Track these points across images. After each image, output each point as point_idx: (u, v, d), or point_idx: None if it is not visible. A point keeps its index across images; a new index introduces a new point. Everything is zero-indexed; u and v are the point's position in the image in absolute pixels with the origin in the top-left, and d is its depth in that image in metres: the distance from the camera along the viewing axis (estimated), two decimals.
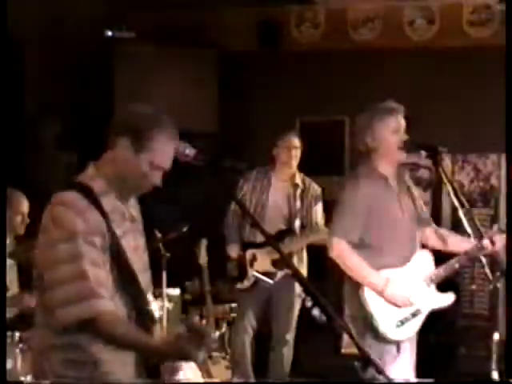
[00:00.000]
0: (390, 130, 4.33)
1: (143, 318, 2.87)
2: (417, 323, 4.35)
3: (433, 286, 4.43)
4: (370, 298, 4.24)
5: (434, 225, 4.68)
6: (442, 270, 4.43)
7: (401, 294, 4.27)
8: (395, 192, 4.40)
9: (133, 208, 2.98)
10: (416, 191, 4.58)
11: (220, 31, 7.75)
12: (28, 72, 6.97)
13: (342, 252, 4.27)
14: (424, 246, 4.52)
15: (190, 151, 2.90)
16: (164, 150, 2.85)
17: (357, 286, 4.28)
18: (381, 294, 4.24)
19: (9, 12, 4.68)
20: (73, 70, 7.24)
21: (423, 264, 4.43)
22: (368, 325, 4.24)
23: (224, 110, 7.66)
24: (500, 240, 4.37)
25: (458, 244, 4.54)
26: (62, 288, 2.71)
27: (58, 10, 7.06)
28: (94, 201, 2.78)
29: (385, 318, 4.24)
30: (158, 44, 7.50)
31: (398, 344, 4.30)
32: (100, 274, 2.74)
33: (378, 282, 4.24)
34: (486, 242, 4.34)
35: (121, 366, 2.83)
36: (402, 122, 4.38)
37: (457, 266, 4.43)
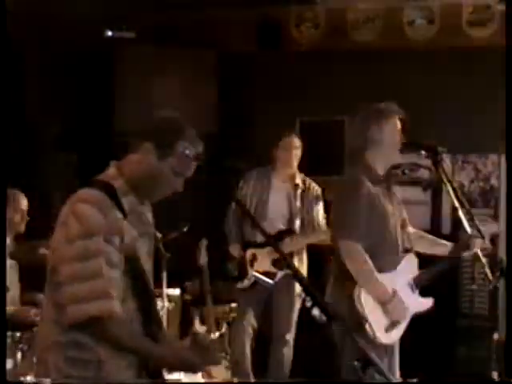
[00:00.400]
0: (388, 132, 4.31)
1: (151, 321, 2.87)
2: (403, 327, 4.36)
3: (416, 290, 4.43)
4: (366, 302, 4.21)
5: (410, 227, 4.66)
6: (426, 274, 4.45)
7: (401, 309, 4.28)
8: (388, 194, 4.40)
9: (148, 212, 3.00)
10: (396, 193, 4.56)
11: (220, 31, 7.75)
12: (28, 72, 6.97)
13: (357, 257, 4.20)
14: (407, 250, 4.50)
15: (189, 151, 2.91)
16: (188, 158, 2.86)
17: (347, 288, 4.25)
18: (383, 304, 4.23)
19: (9, 12, 4.68)
20: (73, 70, 7.23)
21: (410, 268, 4.43)
22: (357, 328, 4.19)
23: (224, 110, 7.66)
24: (478, 244, 4.43)
25: (441, 247, 4.59)
26: (76, 284, 2.71)
27: (58, 10, 7.06)
28: (116, 200, 2.79)
29: (377, 322, 4.23)
30: (158, 44, 7.50)
31: (385, 347, 4.29)
32: (114, 274, 2.75)
33: (384, 293, 4.23)
34: (486, 241, 4.36)
35: (124, 367, 2.83)
36: (399, 125, 4.37)
37: (440, 269, 4.47)
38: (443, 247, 4.59)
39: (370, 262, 4.19)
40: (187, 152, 2.87)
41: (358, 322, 4.20)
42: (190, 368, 2.85)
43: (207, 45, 7.65)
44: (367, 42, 7.61)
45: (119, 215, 2.78)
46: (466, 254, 4.51)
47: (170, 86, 7.49)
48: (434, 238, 4.73)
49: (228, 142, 7.51)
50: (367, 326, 4.20)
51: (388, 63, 7.44)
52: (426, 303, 4.51)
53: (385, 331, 4.26)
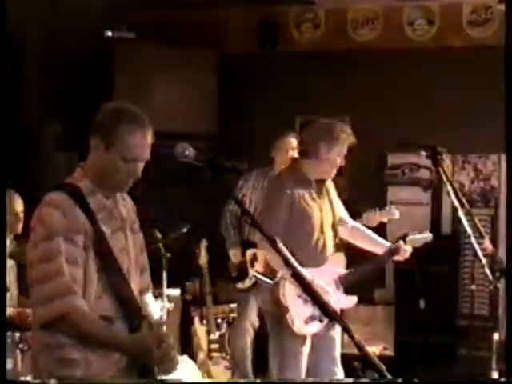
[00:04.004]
0: (333, 152, 4.54)
1: (132, 317, 2.89)
2: (324, 321, 4.48)
3: (341, 288, 4.64)
4: (288, 293, 4.42)
5: (352, 221, 4.89)
6: (351, 275, 4.68)
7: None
8: (317, 196, 4.62)
9: (123, 207, 3.00)
10: (333, 191, 4.79)
11: (220, 31, 7.75)
12: (28, 72, 6.97)
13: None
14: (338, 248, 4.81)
15: (189, 152, 2.91)
16: (135, 142, 2.88)
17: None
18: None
19: (9, 12, 4.68)
20: (73, 70, 7.23)
21: (336, 266, 4.69)
22: (282, 319, 4.45)
23: (224, 111, 7.66)
24: (404, 253, 4.72)
25: (377, 247, 4.80)
26: (41, 286, 2.78)
27: (58, 10, 7.06)
28: (81, 200, 2.84)
29: (297, 313, 4.43)
30: (158, 44, 7.49)
31: (304, 339, 4.50)
32: (76, 272, 2.79)
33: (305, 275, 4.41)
34: (486, 242, 4.37)
35: (112, 363, 2.85)
36: (346, 150, 4.59)
37: (366, 271, 4.73)
38: (379, 247, 4.81)
39: (285, 250, 4.33)
40: (131, 136, 2.87)
41: (281, 312, 4.44)
42: (148, 352, 2.87)
43: (207, 45, 7.65)
44: (367, 42, 7.61)
45: (82, 215, 2.82)
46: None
47: (170, 87, 7.49)
48: (374, 236, 4.92)
49: (228, 142, 7.51)
50: (288, 316, 4.42)
51: (388, 63, 7.44)
52: (350, 301, 4.72)
53: (304, 322, 4.45)
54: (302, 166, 4.62)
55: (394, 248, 4.74)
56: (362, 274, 4.73)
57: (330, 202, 4.72)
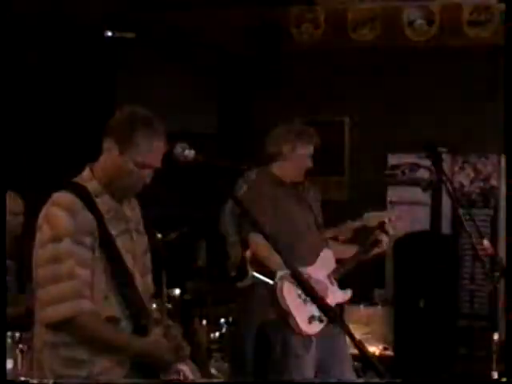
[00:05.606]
0: (300, 154, 4.69)
1: (138, 317, 2.89)
2: (324, 321, 4.48)
3: (335, 283, 4.68)
4: (288, 296, 4.38)
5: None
6: (341, 268, 4.72)
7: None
8: (295, 197, 4.74)
9: (129, 209, 3.00)
10: (315, 201, 4.92)
11: (220, 32, 7.74)
12: (28, 72, 6.97)
13: (261, 245, 4.39)
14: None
15: (189, 152, 2.91)
16: (149, 149, 2.88)
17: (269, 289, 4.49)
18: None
19: (9, 12, 4.68)
20: (72, 70, 7.23)
21: (327, 262, 4.69)
22: (286, 323, 4.42)
23: (224, 111, 7.66)
24: (385, 241, 4.78)
25: (349, 250, 4.89)
26: (49, 287, 2.78)
27: (58, 10, 7.06)
28: (89, 201, 2.83)
29: (299, 314, 4.39)
30: (158, 44, 7.49)
31: (309, 338, 4.48)
32: (85, 274, 2.79)
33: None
34: (486, 242, 4.38)
35: (116, 363, 2.85)
36: (311, 150, 4.77)
37: (353, 262, 4.77)
38: (351, 249, 4.89)
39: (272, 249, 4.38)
40: (146, 142, 2.87)
41: (283, 315, 4.41)
42: (160, 359, 2.88)
43: (207, 45, 7.65)
44: (367, 42, 7.61)
45: (90, 216, 2.81)
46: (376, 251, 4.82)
47: (170, 87, 7.49)
48: (340, 243, 5.04)
49: (228, 142, 7.51)
50: (290, 319, 4.38)
51: (388, 63, 7.44)
52: (346, 295, 4.75)
53: (308, 322, 4.41)
54: (271, 169, 4.73)
55: (375, 238, 4.81)
56: (349, 265, 4.76)
57: (309, 206, 4.81)
